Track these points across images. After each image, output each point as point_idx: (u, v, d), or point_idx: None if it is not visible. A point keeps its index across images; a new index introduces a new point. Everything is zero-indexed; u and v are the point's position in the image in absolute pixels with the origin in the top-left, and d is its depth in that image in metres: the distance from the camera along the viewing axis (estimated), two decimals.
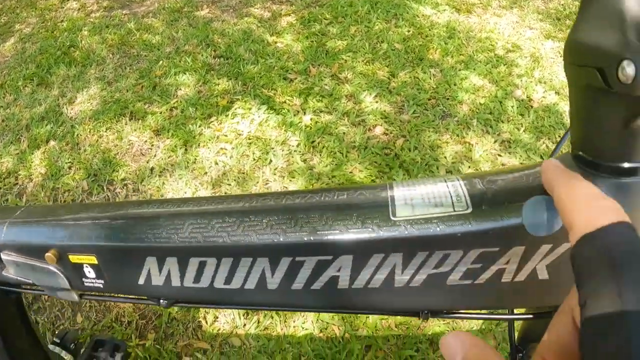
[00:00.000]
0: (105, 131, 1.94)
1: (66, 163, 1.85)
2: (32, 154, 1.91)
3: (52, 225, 0.38)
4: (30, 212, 0.41)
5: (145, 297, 0.39)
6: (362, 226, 0.28)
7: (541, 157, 1.88)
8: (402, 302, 0.31)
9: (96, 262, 0.36)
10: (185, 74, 2.19)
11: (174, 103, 2.04)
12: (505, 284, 0.28)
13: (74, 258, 0.37)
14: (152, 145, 1.86)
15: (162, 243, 0.33)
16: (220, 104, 2.01)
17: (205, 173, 1.74)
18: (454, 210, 0.27)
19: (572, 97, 0.26)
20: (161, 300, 0.38)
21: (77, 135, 1.94)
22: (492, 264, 0.27)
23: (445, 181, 0.30)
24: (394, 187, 0.31)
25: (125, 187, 1.75)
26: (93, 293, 0.41)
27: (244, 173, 1.74)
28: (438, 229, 0.26)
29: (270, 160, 1.77)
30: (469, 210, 0.27)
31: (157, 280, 0.35)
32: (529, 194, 0.25)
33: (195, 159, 1.79)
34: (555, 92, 2.07)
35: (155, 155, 1.83)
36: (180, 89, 2.12)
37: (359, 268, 0.29)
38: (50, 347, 0.66)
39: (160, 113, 2.00)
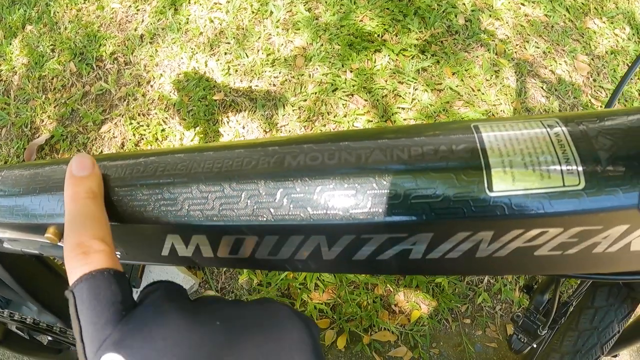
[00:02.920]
0: (84, 3, 1.73)
1: (48, 47, 1.67)
2: (10, 44, 1.73)
3: (40, 197, 0.30)
4: (7, 180, 0.33)
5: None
6: (447, 203, 0.23)
7: (567, 10, 1.66)
8: (482, 270, 0.28)
9: None
10: None
11: None
12: (596, 254, 0.25)
13: None
14: (138, 10, 1.66)
15: (184, 220, 0.27)
16: None
17: (201, 33, 1.56)
18: (564, 186, 0.22)
19: None
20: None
21: (54, 13, 1.74)
22: (588, 239, 0.24)
23: (544, 126, 0.24)
24: (481, 131, 0.25)
25: (116, 62, 1.59)
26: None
27: (243, 29, 1.55)
28: (541, 209, 0.23)
29: (271, 12, 1.57)
30: (581, 187, 0.22)
31: (185, 252, 0.30)
32: None
33: (187, 19, 1.60)
34: None
35: (142, 21, 1.63)
36: None
37: (438, 243, 0.25)
38: None
39: None
